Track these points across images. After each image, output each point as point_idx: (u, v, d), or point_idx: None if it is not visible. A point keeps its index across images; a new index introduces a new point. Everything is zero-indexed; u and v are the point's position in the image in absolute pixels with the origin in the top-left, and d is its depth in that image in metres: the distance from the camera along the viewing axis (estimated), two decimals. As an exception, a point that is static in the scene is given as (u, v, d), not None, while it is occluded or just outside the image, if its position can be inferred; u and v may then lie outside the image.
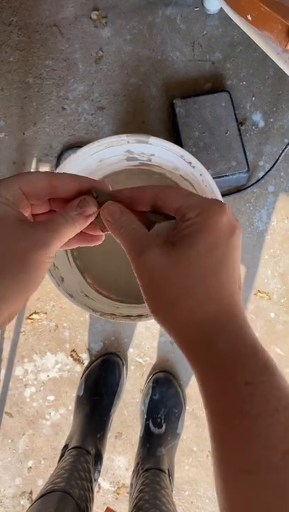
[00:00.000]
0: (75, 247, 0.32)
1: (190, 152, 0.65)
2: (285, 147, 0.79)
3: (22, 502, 0.92)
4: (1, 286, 0.24)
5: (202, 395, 0.23)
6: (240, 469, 0.20)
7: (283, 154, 0.81)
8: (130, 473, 0.88)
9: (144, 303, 0.73)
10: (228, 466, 0.21)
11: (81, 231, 0.29)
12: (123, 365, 0.89)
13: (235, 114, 0.84)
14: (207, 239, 0.25)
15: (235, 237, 0.26)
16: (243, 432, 0.21)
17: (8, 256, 0.24)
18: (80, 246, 0.32)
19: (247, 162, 0.83)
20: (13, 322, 0.91)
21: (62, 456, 0.78)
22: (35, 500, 0.61)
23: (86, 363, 0.91)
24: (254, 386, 0.21)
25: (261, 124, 0.89)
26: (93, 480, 0.72)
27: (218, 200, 0.26)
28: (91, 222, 0.30)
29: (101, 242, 0.32)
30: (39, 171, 0.28)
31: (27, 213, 0.28)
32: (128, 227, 0.27)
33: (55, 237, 0.26)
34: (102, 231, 0.31)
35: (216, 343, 0.23)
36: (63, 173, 0.29)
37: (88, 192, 0.29)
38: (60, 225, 0.27)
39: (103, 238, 0.32)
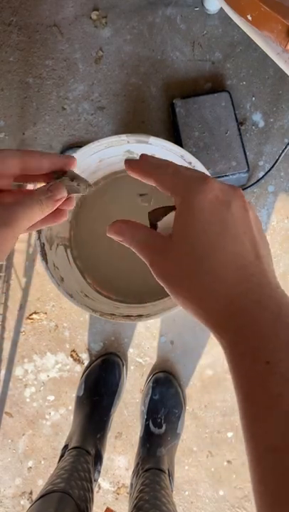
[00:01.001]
0: (40, 228, 0.33)
1: (190, 152, 0.65)
2: (285, 147, 0.79)
3: (22, 502, 0.92)
4: None
5: (231, 372, 0.24)
6: (266, 446, 0.21)
7: (283, 154, 0.81)
8: (130, 473, 0.88)
9: (144, 303, 0.73)
10: (256, 443, 0.21)
11: None
12: (123, 365, 0.89)
13: (235, 114, 0.84)
14: (194, 225, 0.25)
15: (233, 209, 0.25)
16: (265, 411, 0.21)
17: None
18: (45, 225, 0.33)
19: (247, 162, 0.83)
20: (13, 322, 0.91)
21: (62, 456, 0.78)
22: (35, 501, 0.61)
23: (86, 363, 0.91)
24: (274, 365, 0.21)
25: (261, 124, 0.89)
26: (93, 480, 0.71)
27: (200, 177, 0.26)
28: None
29: (66, 218, 0.33)
30: (12, 150, 0.29)
31: None
32: (135, 239, 0.28)
33: (20, 218, 0.27)
34: (76, 192, 0.32)
35: (236, 318, 0.23)
36: (34, 150, 0.30)
37: (60, 170, 0.31)
38: (28, 207, 0.28)
39: (67, 215, 0.33)
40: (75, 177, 0.31)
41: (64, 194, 0.30)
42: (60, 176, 0.31)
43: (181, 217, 0.26)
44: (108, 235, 0.29)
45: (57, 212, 0.32)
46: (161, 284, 0.27)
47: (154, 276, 0.27)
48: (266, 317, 0.23)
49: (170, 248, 0.26)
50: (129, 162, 0.29)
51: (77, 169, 0.67)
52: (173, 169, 0.27)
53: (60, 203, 0.31)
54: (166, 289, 0.27)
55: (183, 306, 0.26)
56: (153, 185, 0.29)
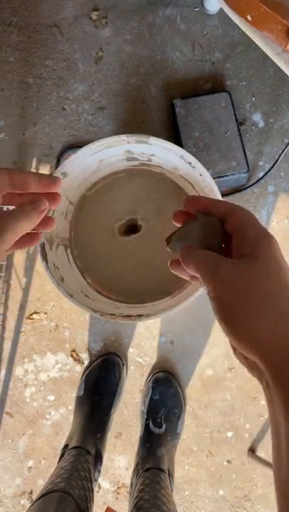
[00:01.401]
0: (19, 249, 0.33)
1: (190, 152, 0.65)
2: (285, 147, 0.79)
3: (22, 502, 0.92)
4: None
5: (282, 414, 0.22)
6: None
7: (283, 154, 0.81)
8: (130, 473, 0.88)
9: (144, 303, 0.73)
10: None
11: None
12: (123, 365, 0.89)
13: (235, 115, 0.84)
14: (273, 254, 0.26)
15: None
16: None
17: None
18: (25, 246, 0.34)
19: (247, 162, 0.83)
20: (14, 322, 0.92)
21: (62, 456, 0.78)
22: (36, 501, 0.61)
23: (86, 362, 0.91)
24: None
25: (261, 124, 0.89)
26: (93, 480, 0.72)
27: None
28: None
29: (38, 241, 0.34)
30: (1, 168, 0.31)
31: None
32: (194, 257, 0.28)
33: (6, 232, 0.28)
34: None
35: None
36: (20, 170, 0.32)
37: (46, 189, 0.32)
38: (14, 220, 0.29)
39: (39, 237, 0.34)
40: None
41: (46, 204, 0.31)
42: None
43: (254, 243, 0.26)
44: (186, 268, 0.30)
45: (33, 234, 0.33)
46: (216, 292, 0.26)
47: (214, 294, 0.26)
48: None
49: (238, 267, 0.26)
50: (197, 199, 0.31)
51: (77, 169, 0.67)
52: (249, 213, 0.29)
53: (45, 213, 0.31)
54: (221, 303, 0.26)
55: (237, 328, 0.25)
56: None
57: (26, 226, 0.30)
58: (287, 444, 0.22)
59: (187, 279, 0.32)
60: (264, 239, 0.27)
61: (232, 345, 0.27)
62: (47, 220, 0.33)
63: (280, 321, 0.24)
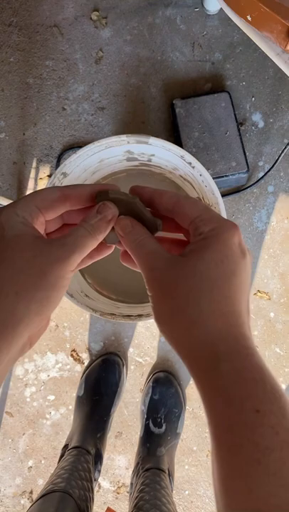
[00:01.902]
0: (89, 263, 0.31)
1: (190, 152, 0.65)
2: (285, 147, 0.79)
3: (22, 501, 0.93)
4: (19, 307, 0.23)
5: (209, 421, 0.22)
6: (249, 508, 0.19)
7: (283, 154, 0.81)
8: (130, 472, 0.88)
9: (144, 303, 0.73)
10: (234, 501, 0.20)
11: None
12: (123, 364, 0.89)
13: (235, 115, 0.84)
14: (217, 253, 0.24)
15: (247, 260, 0.25)
16: (251, 465, 0.19)
17: (25, 274, 0.23)
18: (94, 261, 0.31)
19: (247, 162, 0.83)
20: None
21: (62, 456, 0.78)
22: (36, 501, 0.61)
23: (86, 362, 0.91)
24: (263, 415, 0.20)
25: (261, 124, 0.89)
26: (93, 480, 0.72)
27: (232, 222, 0.27)
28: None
29: (111, 251, 0.31)
30: (51, 187, 0.28)
31: (42, 231, 0.28)
32: (139, 244, 0.27)
33: (73, 251, 0.25)
34: (108, 243, 0.30)
35: (221, 362, 0.22)
36: (75, 184, 0.29)
37: (102, 190, 0.29)
38: (80, 237, 0.26)
39: (112, 248, 0.31)
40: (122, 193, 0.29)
41: (115, 212, 0.28)
42: (104, 196, 0.29)
43: (203, 242, 0.25)
44: (115, 227, 0.28)
45: (103, 249, 0.30)
46: (151, 291, 0.26)
47: (147, 285, 0.26)
48: (254, 364, 0.22)
49: (181, 261, 0.25)
50: (143, 189, 0.29)
51: (77, 170, 0.67)
52: (204, 204, 0.27)
53: (113, 223, 0.28)
54: (150, 300, 0.26)
55: (165, 326, 0.25)
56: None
57: (93, 241, 0.27)
58: (213, 442, 0.22)
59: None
60: (207, 239, 0.25)
61: None
62: (101, 249, 0.30)
63: (196, 322, 0.23)
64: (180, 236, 0.30)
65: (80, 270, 0.76)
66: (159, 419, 0.83)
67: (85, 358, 0.91)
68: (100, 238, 0.27)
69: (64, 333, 0.91)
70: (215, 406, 0.22)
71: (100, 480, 0.90)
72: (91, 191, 0.28)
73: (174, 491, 0.78)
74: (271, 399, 0.21)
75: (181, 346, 0.24)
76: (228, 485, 0.20)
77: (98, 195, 0.29)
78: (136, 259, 0.27)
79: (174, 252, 0.30)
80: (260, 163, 0.89)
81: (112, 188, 0.29)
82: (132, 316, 0.63)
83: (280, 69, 0.56)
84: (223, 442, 0.21)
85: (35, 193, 0.27)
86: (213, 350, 0.23)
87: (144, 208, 0.29)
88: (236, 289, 0.24)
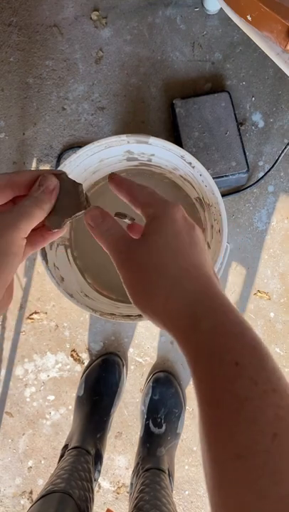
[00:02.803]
0: (44, 245, 0.33)
1: (190, 152, 0.65)
2: (285, 147, 0.79)
3: (22, 502, 0.92)
4: None
5: (193, 378, 0.23)
6: (230, 454, 0.20)
7: (283, 154, 0.81)
8: (130, 472, 0.88)
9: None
10: (217, 450, 0.21)
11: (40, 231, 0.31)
12: (123, 365, 0.89)
13: (235, 115, 0.84)
14: (171, 227, 0.27)
15: (197, 231, 0.28)
16: (231, 415, 0.20)
17: None
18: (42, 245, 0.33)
19: (247, 162, 0.83)
20: (14, 322, 0.92)
21: (62, 456, 0.78)
22: (36, 501, 0.61)
23: (86, 362, 0.91)
24: (242, 367, 0.21)
25: (261, 124, 0.89)
26: (93, 480, 0.72)
27: (173, 202, 0.30)
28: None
29: (64, 231, 0.33)
30: (2, 173, 0.30)
31: None
32: (108, 232, 0.29)
33: (20, 217, 0.27)
34: (53, 228, 0.32)
35: (200, 322, 0.23)
36: (20, 170, 0.32)
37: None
38: (25, 207, 0.28)
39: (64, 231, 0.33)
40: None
41: (55, 181, 0.30)
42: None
43: (154, 221, 0.28)
44: (85, 219, 0.30)
45: (44, 232, 0.32)
46: (122, 273, 0.28)
47: (120, 271, 0.28)
48: (232, 319, 0.23)
49: (143, 241, 0.27)
50: (113, 176, 0.33)
51: (77, 169, 0.67)
52: (150, 190, 0.31)
53: (56, 194, 0.31)
54: (124, 285, 0.28)
55: (141, 302, 0.27)
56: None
57: (39, 213, 0.29)
58: (201, 420, 0.22)
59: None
60: (156, 218, 0.28)
61: None
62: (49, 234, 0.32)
63: (171, 291, 0.25)
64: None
65: (79, 270, 0.76)
66: (159, 420, 0.83)
67: (85, 358, 0.91)
68: (46, 208, 0.30)
69: (64, 333, 0.91)
70: (197, 362, 0.23)
71: (99, 480, 0.90)
72: (35, 176, 0.30)
73: (174, 491, 0.78)
74: (250, 351, 0.22)
75: (161, 316, 0.26)
76: (211, 434, 0.21)
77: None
78: (104, 246, 0.29)
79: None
80: (260, 163, 0.89)
81: (56, 173, 0.31)
82: (132, 316, 0.63)
83: (280, 69, 0.56)
84: (205, 394, 0.22)
85: None
86: (191, 311, 0.24)
87: (82, 196, 0.32)
88: (199, 256, 0.27)
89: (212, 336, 0.23)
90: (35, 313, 0.91)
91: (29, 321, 0.91)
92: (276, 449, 0.19)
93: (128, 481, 0.90)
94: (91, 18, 0.90)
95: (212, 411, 0.21)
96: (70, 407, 0.91)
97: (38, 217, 0.29)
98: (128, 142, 0.64)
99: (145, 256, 0.26)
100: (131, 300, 0.27)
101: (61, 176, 0.31)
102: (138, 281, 0.27)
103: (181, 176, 0.70)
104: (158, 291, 0.25)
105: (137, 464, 0.79)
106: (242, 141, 0.83)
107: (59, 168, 0.63)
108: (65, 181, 0.31)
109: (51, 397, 0.92)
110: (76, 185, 0.32)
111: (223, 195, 0.86)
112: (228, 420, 0.20)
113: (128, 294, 0.27)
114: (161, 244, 0.27)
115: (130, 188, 0.31)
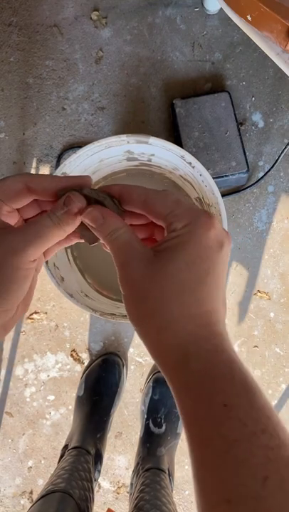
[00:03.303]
0: (74, 242, 0.30)
1: (190, 152, 0.65)
2: (285, 147, 0.79)
3: (22, 502, 0.92)
4: None
5: (181, 418, 0.23)
6: (218, 498, 0.19)
7: (283, 154, 0.81)
8: (130, 472, 0.88)
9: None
10: (206, 494, 0.20)
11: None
12: (123, 365, 0.89)
13: (235, 115, 0.84)
14: (189, 253, 0.24)
15: (223, 252, 0.25)
16: (220, 457, 0.20)
17: None
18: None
19: (247, 162, 0.83)
20: (14, 322, 0.91)
21: (62, 456, 0.78)
22: (36, 501, 0.61)
23: (86, 362, 0.91)
24: (231, 408, 0.20)
25: (261, 124, 0.89)
26: (93, 480, 0.72)
27: (207, 212, 0.25)
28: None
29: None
30: (16, 175, 0.27)
31: (14, 219, 0.28)
32: (112, 236, 0.26)
33: (31, 241, 0.24)
34: (89, 243, 0.29)
35: (190, 363, 0.22)
36: (42, 174, 0.28)
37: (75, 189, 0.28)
38: (44, 227, 0.25)
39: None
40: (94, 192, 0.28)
41: (80, 205, 0.27)
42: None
43: (176, 240, 0.24)
44: (82, 217, 0.27)
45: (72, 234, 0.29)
46: (123, 291, 0.25)
47: (120, 283, 0.25)
48: (224, 359, 0.22)
49: (153, 261, 0.24)
50: (114, 186, 0.28)
51: (77, 169, 0.67)
52: (174, 197, 0.26)
53: (80, 217, 0.27)
54: (123, 299, 0.25)
55: (134, 323, 0.25)
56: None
57: (58, 234, 0.26)
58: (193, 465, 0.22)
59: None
60: (181, 236, 0.24)
61: None
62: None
63: (166, 327, 0.23)
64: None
65: (79, 270, 0.76)
66: (159, 419, 0.83)
67: (85, 358, 0.91)
68: (68, 230, 0.26)
69: (64, 333, 0.91)
70: (185, 403, 0.22)
71: (100, 480, 0.90)
72: (56, 188, 0.27)
73: (174, 491, 0.78)
74: (240, 392, 0.21)
75: (152, 347, 0.24)
76: (200, 476, 0.21)
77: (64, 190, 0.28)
78: (110, 251, 0.26)
79: (157, 237, 0.29)
80: (260, 163, 0.89)
81: (79, 182, 0.28)
82: (132, 316, 0.63)
83: (280, 69, 0.56)
84: (194, 436, 0.21)
85: None
86: (182, 352, 0.23)
87: (114, 207, 0.28)
88: (209, 289, 0.24)
89: (201, 377, 0.22)
90: (35, 313, 0.91)
91: (29, 320, 0.91)
92: (266, 493, 0.18)
93: (128, 481, 0.90)
94: (91, 18, 0.91)
95: (201, 452, 0.21)
96: (70, 407, 0.91)
97: (57, 238, 0.26)
98: (128, 142, 0.64)
99: (147, 280, 0.24)
100: (127, 315, 0.25)
101: (86, 190, 0.28)
102: (135, 304, 0.24)
103: (181, 176, 0.70)
104: (152, 323, 0.24)
105: (137, 463, 0.79)
106: (242, 141, 0.83)
107: (59, 168, 0.63)
108: (91, 193, 0.28)
109: (51, 397, 0.92)
110: (104, 196, 0.28)
111: (223, 195, 0.86)
112: (217, 462, 0.20)
113: (126, 311, 0.25)
114: (172, 274, 0.23)
115: (146, 197, 0.26)
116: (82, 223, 0.28)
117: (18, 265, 0.24)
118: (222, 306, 0.25)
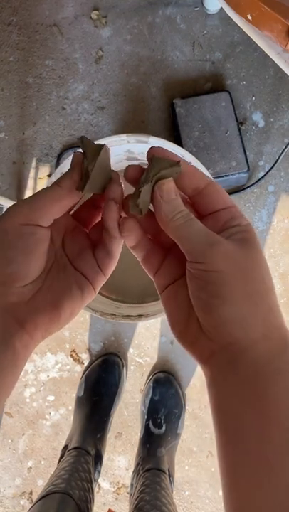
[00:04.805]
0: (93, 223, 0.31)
1: (190, 152, 0.65)
2: (285, 147, 0.79)
3: (22, 502, 0.92)
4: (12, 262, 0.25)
5: (232, 435, 0.22)
6: None
7: (283, 154, 0.81)
8: (130, 473, 0.88)
9: (144, 303, 0.73)
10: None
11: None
12: (123, 365, 0.88)
13: (235, 114, 0.83)
14: (260, 252, 0.24)
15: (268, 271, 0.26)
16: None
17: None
18: None
19: (247, 162, 0.83)
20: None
21: (62, 456, 0.78)
22: (36, 502, 0.61)
23: (86, 363, 0.91)
24: None
25: (261, 123, 0.89)
26: (93, 480, 0.71)
27: None
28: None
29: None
30: (19, 203, 0.26)
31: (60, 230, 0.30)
32: (186, 217, 0.24)
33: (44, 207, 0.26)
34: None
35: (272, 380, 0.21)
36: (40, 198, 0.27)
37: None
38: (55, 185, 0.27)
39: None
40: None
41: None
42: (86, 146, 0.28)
43: (250, 237, 0.24)
44: (158, 191, 0.26)
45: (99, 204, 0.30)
46: (220, 266, 0.23)
47: (215, 257, 0.23)
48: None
49: (234, 244, 0.23)
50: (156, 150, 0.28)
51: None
52: (230, 199, 0.26)
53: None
54: (220, 271, 0.23)
55: (245, 303, 0.23)
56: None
57: (67, 201, 0.27)
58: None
59: (129, 244, 0.29)
60: (244, 232, 0.24)
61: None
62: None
63: (270, 314, 0.23)
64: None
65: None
66: (159, 420, 0.83)
67: (85, 358, 0.91)
68: (75, 199, 0.28)
69: (64, 334, 0.91)
70: (246, 418, 0.21)
71: (99, 481, 0.90)
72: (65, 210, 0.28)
73: (174, 492, 0.78)
74: None
75: (258, 330, 0.23)
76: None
77: (81, 144, 0.28)
78: (175, 238, 0.24)
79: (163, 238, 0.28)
80: (261, 163, 0.89)
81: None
82: (131, 316, 0.63)
83: (281, 68, 0.56)
84: (256, 454, 0.20)
85: (33, 202, 0.26)
86: (285, 338, 0.22)
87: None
88: (272, 294, 0.24)
89: (273, 395, 0.21)
90: (35, 313, 0.91)
91: (29, 321, 0.91)
92: None
93: (128, 482, 0.89)
94: (91, 17, 0.90)
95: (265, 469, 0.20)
96: (70, 408, 0.91)
97: (67, 205, 0.27)
98: (128, 142, 0.64)
99: (243, 260, 0.23)
100: (199, 303, 0.24)
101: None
102: (243, 281, 0.22)
103: (182, 176, 0.70)
104: (265, 302, 0.23)
105: (137, 464, 0.79)
106: (242, 141, 0.83)
107: (59, 168, 0.63)
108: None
109: (51, 398, 0.92)
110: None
111: (223, 195, 0.86)
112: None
113: (223, 285, 0.22)
114: (257, 261, 0.23)
115: (210, 182, 0.25)
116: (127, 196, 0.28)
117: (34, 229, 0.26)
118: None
